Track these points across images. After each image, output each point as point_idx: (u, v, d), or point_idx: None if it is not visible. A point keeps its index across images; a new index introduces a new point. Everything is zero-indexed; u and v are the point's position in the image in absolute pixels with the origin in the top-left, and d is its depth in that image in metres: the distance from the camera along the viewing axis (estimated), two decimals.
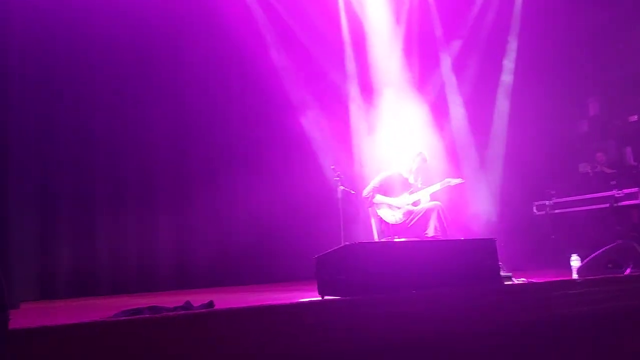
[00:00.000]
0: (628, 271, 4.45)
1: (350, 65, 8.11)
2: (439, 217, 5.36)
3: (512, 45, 8.39)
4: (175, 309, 3.15)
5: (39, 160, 5.95)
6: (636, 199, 6.74)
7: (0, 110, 4.90)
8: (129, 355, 2.42)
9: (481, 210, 7.61)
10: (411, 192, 5.71)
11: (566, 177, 8.09)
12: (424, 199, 5.67)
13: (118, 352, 2.41)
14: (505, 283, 4.09)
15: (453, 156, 7.77)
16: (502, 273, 4.03)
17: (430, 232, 5.35)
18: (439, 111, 8.01)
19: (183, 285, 6.52)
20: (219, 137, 7.24)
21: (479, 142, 8.25)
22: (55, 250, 5.92)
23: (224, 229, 7.05)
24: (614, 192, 6.88)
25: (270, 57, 7.66)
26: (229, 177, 7.21)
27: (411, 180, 5.80)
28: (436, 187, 5.69)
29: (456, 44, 8.39)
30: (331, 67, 8.07)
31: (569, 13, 8.18)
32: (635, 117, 8.13)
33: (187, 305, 3.27)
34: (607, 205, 6.90)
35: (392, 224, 5.57)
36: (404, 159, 5.91)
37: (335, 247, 3.68)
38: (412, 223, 5.50)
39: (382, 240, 5.56)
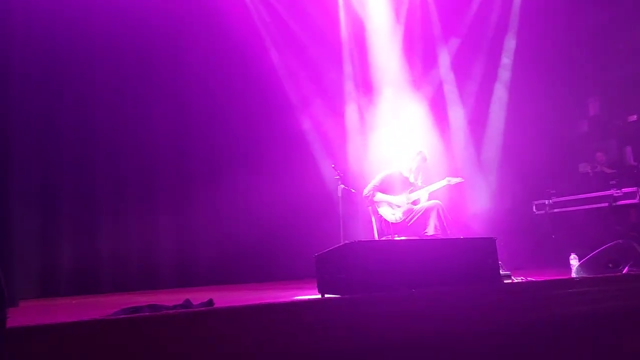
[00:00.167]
0: (626, 270, 4.45)
1: (350, 64, 8.12)
2: (438, 216, 5.36)
3: (512, 45, 8.39)
4: (175, 307, 3.15)
5: (41, 158, 5.96)
6: (634, 198, 6.74)
7: (2, 109, 4.89)
8: (128, 354, 2.42)
9: (481, 210, 7.61)
10: (411, 191, 5.71)
11: (566, 177, 8.10)
12: (423, 197, 5.67)
13: (117, 350, 2.40)
14: (505, 282, 4.10)
15: (453, 155, 7.76)
16: (502, 272, 4.03)
17: (430, 230, 5.35)
18: (439, 110, 8.01)
19: (183, 283, 6.53)
20: (219, 136, 7.25)
21: (479, 142, 8.25)
22: (56, 248, 5.93)
23: (224, 228, 7.06)
24: (613, 192, 6.89)
25: (271, 57, 7.67)
26: (229, 176, 7.21)
27: (411, 179, 5.80)
28: (436, 186, 5.70)
29: (456, 43, 8.38)
30: (331, 67, 8.07)
31: (569, 13, 8.18)
32: (635, 117, 8.13)
33: (187, 304, 3.28)
34: (606, 204, 6.91)
35: (392, 223, 5.57)
36: (404, 157, 5.91)
37: (335, 246, 3.68)
38: (412, 222, 5.50)
39: (382, 239, 5.56)
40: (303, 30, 7.93)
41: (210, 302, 3.28)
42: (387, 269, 3.35)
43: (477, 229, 7.14)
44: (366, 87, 7.87)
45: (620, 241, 4.73)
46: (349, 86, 8.04)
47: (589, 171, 7.82)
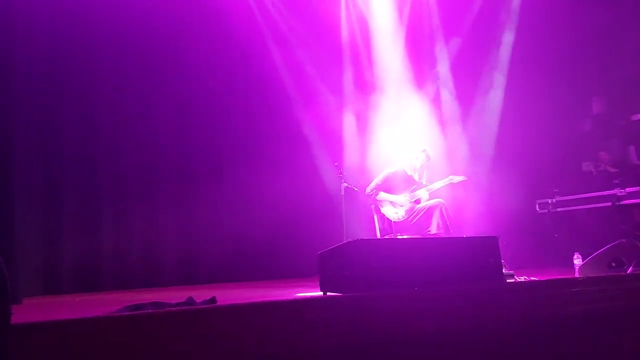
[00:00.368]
0: (630, 270, 4.45)
1: (353, 62, 8.11)
2: (441, 215, 5.37)
3: (514, 43, 8.37)
4: (178, 304, 3.16)
5: (43, 156, 5.95)
6: (638, 197, 6.73)
7: (5, 105, 4.90)
8: (131, 350, 2.43)
9: (484, 208, 7.59)
10: (413, 190, 5.71)
11: (569, 176, 8.08)
12: (425, 196, 5.67)
13: (121, 347, 2.41)
14: (507, 281, 4.09)
15: (456, 154, 7.75)
16: (504, 271, 4.03)
17: (433, 229, 5.36)
18: (442, 109, 8.00)
19: (186, 281, 6.54)
20: (222, 134, 7.25)
21: (482, 140, 8.24)
22: (59, 245, 5.94)
23: (226, 225, 7.05)
24: (617, 191, 6.87)
25: (273, 54, 7.66)
26: (231, 174, 7.22)
27: (415, 177, 5.81)
28: (439, 184, 5.70)
29: (459, 42, 8.37)
30: (333, 64, 8.06)
31: (572, 14, 8.16)
32: (639, 116, 8.10)
33: (190, 301, 3.29)
34: (610, 204, 6.89)
35: (395, 222, 5.58)
36: (408, 156, 5.91)
37: (338, 244, 3.68)
38: (414, 220, 5.51)
39: (385, 237, 5.56)
40: (305, 28, 7.92)
41: (213, 300, 3.29)
42: (390, 267, 3.35)
43: (480, 227, 7.14)
44: (369, 85, 7.86)
45: (623, 241, 4.72)
46: (351, 84, 8.03)
47: (593, 170, 7.80)
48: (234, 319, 2.68)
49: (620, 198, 6.81)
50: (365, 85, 7.90)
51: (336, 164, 6.32)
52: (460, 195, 6.48)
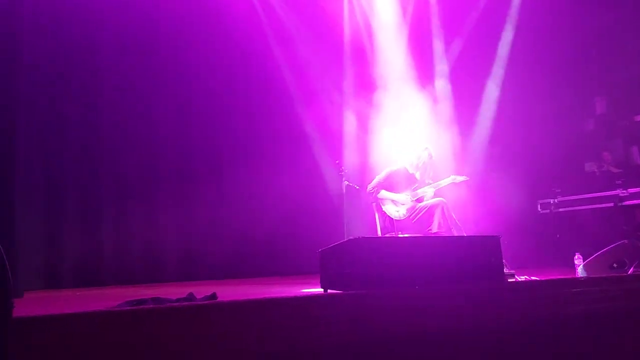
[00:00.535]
0: (631, 270, 4.44)
1: (356, 60, 8.10)
2: (443, 214, 5.36)
3: (515, 43, 8.36)
4: (179, 300, 3.17)
5: (44, 154, 5.97)
6: None
7: (6, 105, 4.90)
8: (131, 346, 2.43)
9: (485, 208, 7.58)
10: (415, 188, 5.71)
11: (572, 176, 8.07)
12: (427, 195, 5.67)
13: (121, 342, 2.42)
14: (508, 281, 4.09)
15: (458, 153, 7.74)
16: (505, 270, 4.03)
17: (434, 228, 5.35)
18: (444, 108, 7.98)
19: (187, 277, 6.54)
20: (223, 131, 7.25)
21: (485, 140, 8.23)
22: (61, 240, 5.95)
23: (227, 222, 7.06)
24: (619, 192, 6.86)
25: (274, 52, 7.65)
26: (233, 172, 7.22)
27: (417, 176, 5.79)
28: (441, 183, 5.69)
29: (462, 42, 8.36)
30: (336, 63, 8.06)
31: (575, 15, 8.16)
32: None
33: (191, 297, 3.29)
34: (612, 204, 6.88)
35: (396, 220, 5.57)
36: (410, 154, 5.90)
37: (339, 242, 3.68)
38: (416, 219, 5.50)
39: (386, 235, 5.56)
40: (306, 26, 7.91)
41: (213, 296, 3.29)
42: (391, 265, 3.35)
43: (482, 227, 7.13)
44: (371, 83, 7.85)
45: (625, 241, 4.72)
46: (353, 83, 8.03)
47: (595, 170, 7.79)
48: (235, 316, 2.68)
49: (622, 199, 6.80)
50: (367, 84, 7.89)
51: (337, 162, 6.31)
52: (462, 195, 6.48)
